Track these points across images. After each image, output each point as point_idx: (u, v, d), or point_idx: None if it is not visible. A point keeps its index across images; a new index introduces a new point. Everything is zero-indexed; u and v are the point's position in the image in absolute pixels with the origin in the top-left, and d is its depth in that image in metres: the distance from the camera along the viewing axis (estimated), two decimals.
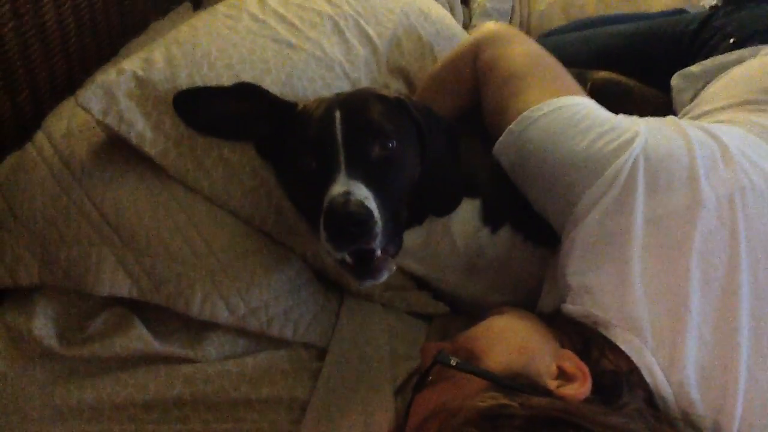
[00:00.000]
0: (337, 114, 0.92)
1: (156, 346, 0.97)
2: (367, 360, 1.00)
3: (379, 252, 0.87)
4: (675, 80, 1.27)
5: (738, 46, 1.24)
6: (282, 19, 1.16)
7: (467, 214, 1.05)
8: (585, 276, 0.88)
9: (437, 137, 1.00)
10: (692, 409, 0.79)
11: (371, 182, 0.87)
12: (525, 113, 0.98)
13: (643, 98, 1.29)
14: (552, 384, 0.78)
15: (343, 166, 0.88)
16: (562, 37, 1.65)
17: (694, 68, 1.24)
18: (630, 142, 0.90)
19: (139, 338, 0.97)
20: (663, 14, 1.70)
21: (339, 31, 1.19)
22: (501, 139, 1.01)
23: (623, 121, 0.96)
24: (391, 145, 0.91)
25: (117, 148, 1.01)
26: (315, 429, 0.93)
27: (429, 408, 0.77)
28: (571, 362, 0.81)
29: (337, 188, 0.84)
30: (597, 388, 0.78)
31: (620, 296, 0.84)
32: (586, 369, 0.79)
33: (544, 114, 0.96)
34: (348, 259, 0.87)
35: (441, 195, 1.01)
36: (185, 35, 1.08)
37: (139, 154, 0.99)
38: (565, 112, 0.96)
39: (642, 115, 1.20)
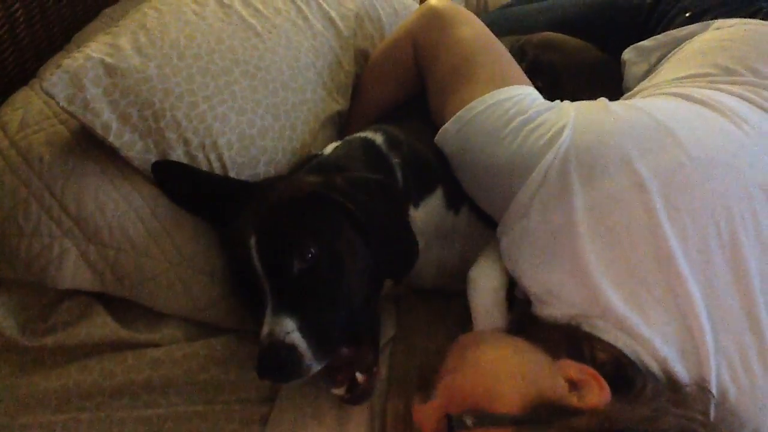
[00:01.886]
0: (252, 241, 0.88)
1: (121, 331, 0.96)
2: None
3: (359, 377, 0.88)
4: (627, 54, 1.28)
5: (693, 20, 1.25)
6: (246, 4, 1.14)
7: (434, 206, 1.04)
8: (542, 279, 0.89)
9: (372, 205, 0.93)
10: (678, 381, 0.80)
11: (298, 305, 0.84)
12: (460, 112, 0.99)
13: (581, 56, 1.32)
14: (573, 399, 0.76)
15: (269, 300, 0.86)
16: (521, 8, 1.65)
17: (647, 42, 1.26)
18: (558, 135, 0.91)
19: (104, 325, 0.96)
20: None
21: (303, 16, 1.19)
22: (438, 136, 1.03)
23: (554, 111, 0.96)
24: (310, 254, 0.86)
25: (77, 139, 0.99)
26: (289, 406, 0.93)
27: None
28: (575, 369, 0.79)
29: (264, 329, 0.84)
30: (607, 382, 0.77)
31: (582, 288, 0.85)
32: (593, 370, 0.78)
33: (478, 113, 0.98)
34: (336, 392, 0.89)
35: (397, 259, 0.95)
36: (152, 21, 1.06)
37: (101, 144, 0.97)
38: (497, 110, 0.97)
39: (581, 72, 1.24)
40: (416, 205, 1.03)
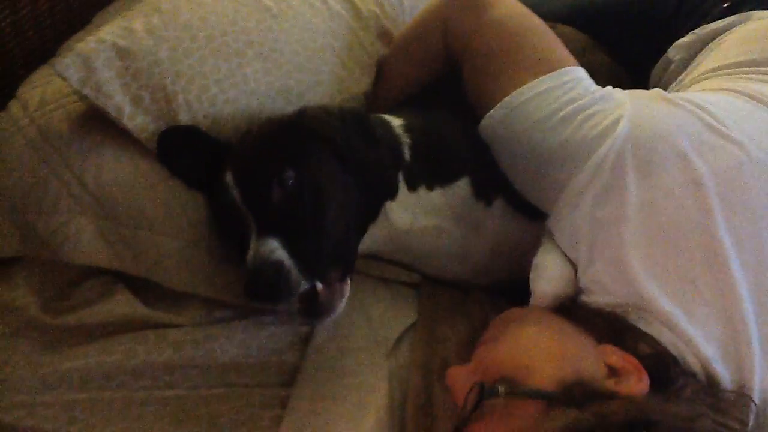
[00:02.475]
0: (228, 176, 0.90)
1: (144, 311, 0.96)
2: (357, 324, 0.99)
3: (320, 288, 0.87)
4: (670, 52, 1.24)
5: (732, 10, 1.21)
6: None
7: (459, 193, 1.02)
8: (589, 269, 0.87)
9: (346, 132, 0.94)
10: (721, 384, 0.78)
11: (281, 229, 0.85)
12: (507, 98, 0.95)
13: (584, 57, 1.26)
14: (610, 384, 0.74)
15: (253, 228, 0.86)
16: None
17: (687, 38, 1.21)
18: (614, 126, 0.88)
19: (127, 304, 0.96)
20: None
21: None
22: (482, 122, 0.99)
23: (608, 100, 0.92)
24: (289, 178, 0.87)
25: (96, 117, 0.98)
26: (308, 390, 0.92)
27: None
28: (617, 356, 0.78)
29: (249, 253, 0.84)
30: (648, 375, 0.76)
31: (624, 281, 0.83)
32: (635, 360, 0.77)
33: (526, 99, 0.94)
34: (296, 306, 0.88)
35: (375, 183, 0.96)
36: (165, 4, 1.05)
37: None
38: (547, 97, 0.93)
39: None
40: (430, 187, 1.02)
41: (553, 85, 0.94)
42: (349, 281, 0.92)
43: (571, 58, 1.02)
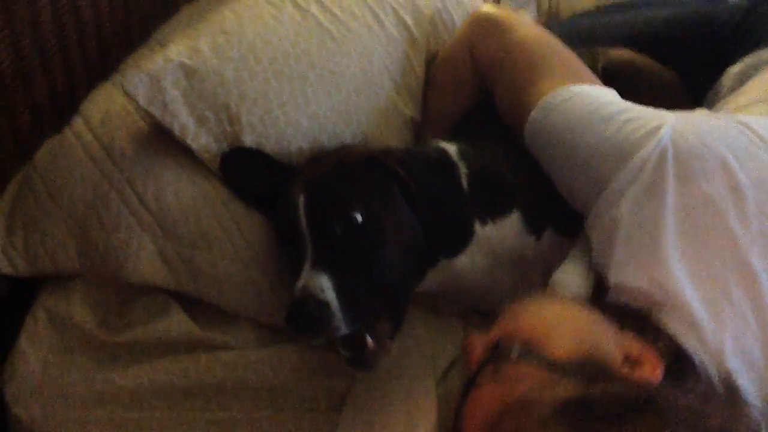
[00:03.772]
0: (301, 198, 0.88)
1: (197, 331, 0.95)
2: (407, 350, 0.98)
3: (369, 341, 0.85)
4: (723, 79, 1.22)
5: None
6: (323, 8, 1.12)
7: (510, 229, 0.99)
8: (623, 270, 0.86)
9: (427, 179, 0.93)
10: (740, 395, 0.76)
11: (337, 266, 0.84)
12: (545, 99, 0.96)
13: (657, 80, 1.26)
14: (623, 369, 0.74)
15: (309, 256, 0.85)
16: (596, 20, 1.59)
17: (737, 66, 1.20)
18: (657, 129, 0.88)
19: (180, 323, 0.95)
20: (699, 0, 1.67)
21: (379, 21, 1.16)
22: (525, 129, 0.98)
23: (648, 110, 0.93)
24: (355, 218, 0.86)
25: (158, 136, 0.98)
26: (357, 416, 0.91)
27: (495, 406, 0.72)
28: (636, 345, 0.77)
29: (299, 282, 0.83)
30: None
31: (658, 283, 0.82)
32: (653, 351, 0.76)
33: (564, 100, 0.95)
34: (343, 352, 0.87)
35: (446, 235, 0.94)
36: (230, 24, 1.05)
37: (179, 141, 0.97)
38: (587, 98, 0.94)
39: (655, 97, 1.19)
40: (483, 222, 0.98)
41: (589, 90, 0.96)
42: (395, 339, 0.90)
43: (598, 80, 1.03)
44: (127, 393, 0.93)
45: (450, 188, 0.95)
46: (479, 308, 1.09)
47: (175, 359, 0.95)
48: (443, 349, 1.02)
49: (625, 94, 1.19)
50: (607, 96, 0.96)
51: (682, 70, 1.31)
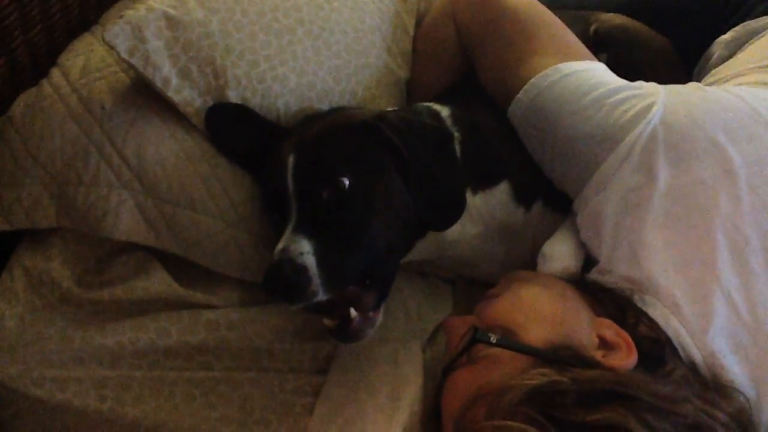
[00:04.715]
0: (290, 160, 0.86)
1: (179, 290, 0.93)
2: (394, 314, 0.97)
3: (353, 314, 0.84)
4: (711, 48, 1.21)
5: None
6: None
7: (499, 199, 0.97)
8: (610, 252, 0.85)
9: (423, 149, 0.89)
10: (727, 377, 0.76)
11: (320, 231, 0.82)
12: (533, 80, 0.93)
13: (650, 46, 1.24)
14: (597, 354, 0.75)
15: (293, 218, 0.83)
16: None
17: (727, 35, 1.18)
18: (646, 110, 0.86)
19: (162, 281, 0.93)
20: None
21: None
22: (510, 109, 0.96)
23: (638, 87, 0.91)
24: (343, 183, 0.83)
25: (139, 89, 0.95)
26: (342, 379, 0.90)
27: (469, 390, 0.74)
28: (611, 331, 0.78)
29: (279, 244, 0.81)
30: (639, 355, 0.75)
31: (641, 264, 0.82)
32: (628, 337, 0.77)
33: (553, 81, 0.92)
34: (327, 322, 0.85)
35: (439, 209, 0.90)
36: None
37: (163, 98, 0.94)
38: (576, 79, 0.91)
39: (647, 63, 1.17)
40: (474, 191, 0.96)
41: (580, 69, 0.93)
42: (382, 309, 0.88)
43: (591, 54, 1.01)
44: (107, 351, 0.91)
45: (446, 160, 0.92)
46: (467, 276, 1.08)
47: (155, 318, 0.93)
48: (430, 313, 1.02)
49: (616, 59, 1.18)
50: (596, 75, 0.93)
51: (674, 37, 1.29)
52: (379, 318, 0.88)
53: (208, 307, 0.95)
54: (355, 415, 0.88)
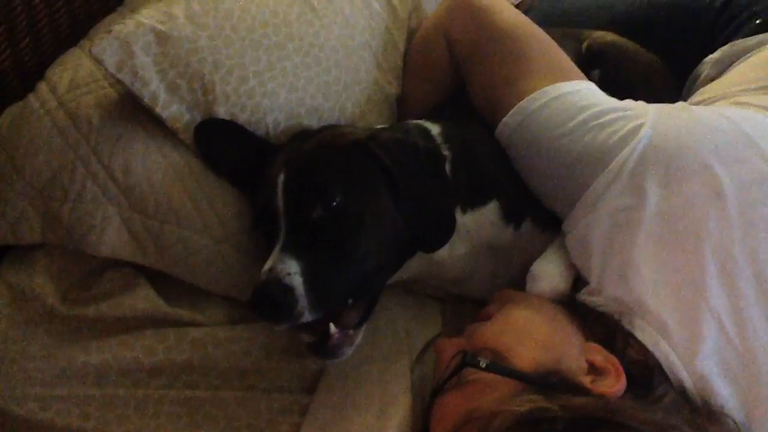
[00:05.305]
0: (280, 178, 0.85)
1: (165, 307, 0.93)
2: (382, 332, 0.96)
3: (333, 330, 0.83)
4: (699, 68, 1.21)
5: (764, 27, 1.18)
6: None
7: (488, 218, 0.96)
8: (600, 273, 0.85)
9: (413, 170, 0.89)
10: (716, 401, 0.76)
11: (308, 251, 0.81)
12: (521, 104, 0.93)
13: (641, 63, 1.25)
14: (586, 380, 0.75)
15: (281, 237, 0.83)
16: (578, 1, 1.58)
17: (716, 54, 1.19)
18: (634, 132, 0.86)
19: (147, 299, 0.93)
20: None
21: None
22: (498, 130, 0.96)
23: (627, 109, 0.91)
24: (334, 203, 0.82)
25: (127, 104, 0.95)
26: (329, 398, 0.89)
27: (458, 414, 0.73)
28: (601, 356, 0.78)
29: (266, 264, 0.80)
30: (628, 380, 0.75)
31: (630, 286, 0.82)
32: (617, 362, 0.76)
33: (541, 105, 0.92)
34: (305, 337, 0.84)
35: (429, 231, 0.90)
36: None
37: (149, 111, 0.93)
38: (564, 102, 0.91)
39: (638, 81, 1.17)
40: (463, 210, 0.95)
41: (569, 91, 0.93)
42: (363, 329, 0.87)
43: (579, 72, 1.01)
44: (91, 369, 0.90)
45: (436, 181, 0.92)
46: (456, 293, 1.08)
47: (141, 335, 0.92)
48: (419, 331, 1.01)
49: (608, 76, 1.19)
50: (585, 97, 0.93)
51: (664, 55, 1.30)
52: (359, 337, 0.87)
53: (195, 324, 0.94)
54: None
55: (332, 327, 0.83)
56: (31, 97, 1.00)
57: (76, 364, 0.90)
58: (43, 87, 1.01)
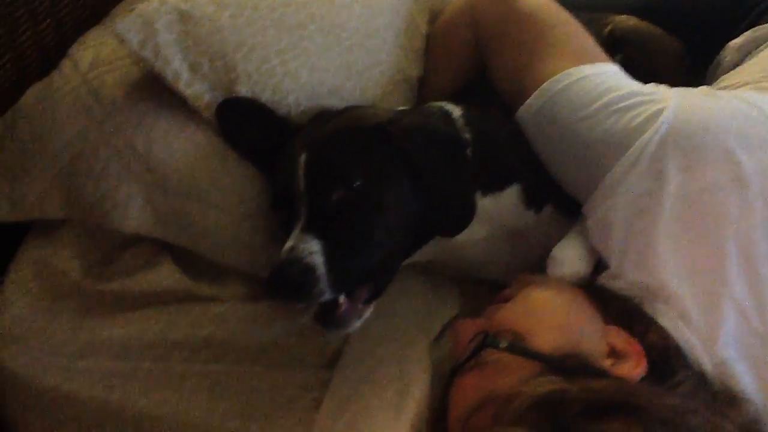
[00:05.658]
0: (302, 158, 0.86)
1: (187, 283, 0.94)
2: (401, 312, 0.97)
3: (342, 300, 0.83)
4: (722, 53, 1.21)
5: None
6: None
7: (508, 201, 0.96)
8: (621, 258, 0.85)
9: (434, 156, 0.89)
10: (736, 386, 0.76)
11: (328, 232, 0.82)
12: (544, 86, 0.93)
13: (663, 48, 1.25)
14: (606, 364, 0.75)
15: (302, 218, 0.83)
16: None
17: (739, 40, 1.18)
18: (656, 115, 0.86)
19: (170, 274, 0.94)
20: None
21: None
22: (519, 111, 0.96)
23: (650, 93, 0.90)
24: (355, 185, 0.83)
25: (150, 82, 0.95)
26: (348, 376, 0.90)
27: (477, 395, 0.74)
28: (621, 339, 0.78)
29: (287, 243, 0.81)
30: (648, 364, 0.75)
31: (651, 270, 0.82)
32: (638, 346, 0.77)
33: (564, 87, 0.92)
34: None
35: (448, 216, 0.90)
36: None
37: (173, 91, 0.94)
38: (587, 84, 0.91)
39: (660, 66, 1.16)
40: (484, 193, 0.96)
41: (592, 73, 0.92)
42: (373, 304, 0.88)
43: (605, 56, 1.00)
44: (114, 343, 0.91)
45: (457, 167, 0.92)
46: (474, 276, 1.08)
47: (164, 310, 0.93)
48: (438, 311, 1.02)
49: (630, 61, 1.18)
50: (608, 79, 0.93)
51: (687, 40, 1.30)
52: (368, 312, 0.87)
53: (217, 300, 0.95)
54: (362, 411, 0.88)
55: (342, 298, 0.84)
56: (55, 75, 1.01)
57: (101, 338, 0.91)
58: (66, 64, 1.02)
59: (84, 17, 1.19)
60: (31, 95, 1.02)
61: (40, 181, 0.95)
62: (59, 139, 0.96)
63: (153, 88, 0.97)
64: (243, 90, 0.95)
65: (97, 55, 1.02)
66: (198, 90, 0.94)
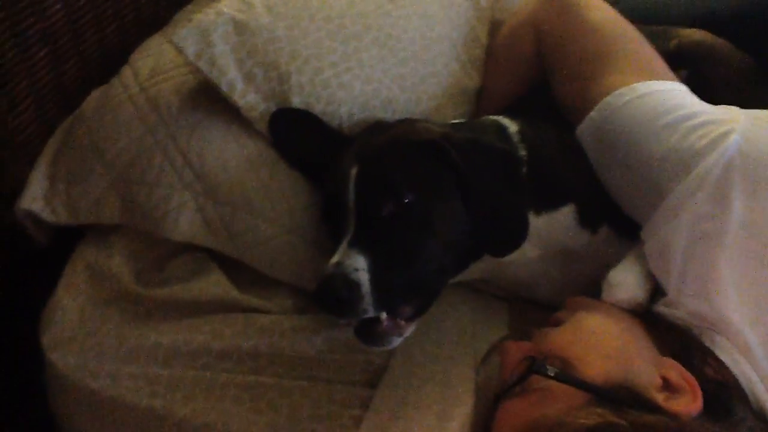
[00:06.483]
0: (353, 171, 0.85)
1: (235, 293, 0.94)
2: (447, 332, 0.95)
3: (384, 317, 0.82)
4: None
5: None
6: None
7: (563, 221, 0.93)
8: (679, 284, 0.82)
9: (487, 174, 0.87)
10: None
11: (375, 248, 0.81)
12: (607, 98, 0.90)
13: (732, 64, 1.18)
14: (659, 397, 0.71)
15: (350, 231, 0.83)
16: None
17: None
18: (723, 137, 0.82)
19: (218, 284, 0.95)
20: None
21: None
22: (581, 126, 0.93)
23: (718, 114, 0.86)
24: (406, 200, 0.82)
25: (205, 92, 0.97)
26: (391, 394, 0.89)
27: (522, 421, 0.72)
28: (676, 372, 0.74)
29: (334, 257, 0.81)
30: (704, 400, 0.71)
31: (713, 301, 0.78)
32: (693, 380, 0.73)
33: (629, 100, 0.88)
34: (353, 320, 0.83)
35: (499, 236, 0.88)
36: None
37: (226, 99, 0.95)
38: (652, 100, 0.88)
39: (728, 84, 1.11)
40: (537, 212, 0.93)
41: (658, 90, 0.89)
42: (415, 322, 0.86)
43: (671, 73, 0.96)
44: (161, 350, 0.92)
45: (510, 185, 0.90)
46: (523, 297, 1.06)
47: (210, 319, 0.94)
48: (485, 332, 0.99)
49: (697, 77, 1.14)
50: (674, 96, 0.89)
51: (757, 54, 1.24)
52: (410, 330, 0.86)
53: (263, 312, 0.95)
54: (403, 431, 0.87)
55: (384, 314, 0.83)
56: (115, 81, 1.04)
57: (147, 344, 0.92)
58: (126, 72, 1.05)
59: (147, 22, 1.22)
60: (91, 102, 1.05)
61: (97, 186, 0.98)
62: (116, 146, 0.99)
63: (208, 98, 0.98)
64: (296, 101, 0.96)
65: (156, 63, 1.05)
66: (252, 100, 0.95)
